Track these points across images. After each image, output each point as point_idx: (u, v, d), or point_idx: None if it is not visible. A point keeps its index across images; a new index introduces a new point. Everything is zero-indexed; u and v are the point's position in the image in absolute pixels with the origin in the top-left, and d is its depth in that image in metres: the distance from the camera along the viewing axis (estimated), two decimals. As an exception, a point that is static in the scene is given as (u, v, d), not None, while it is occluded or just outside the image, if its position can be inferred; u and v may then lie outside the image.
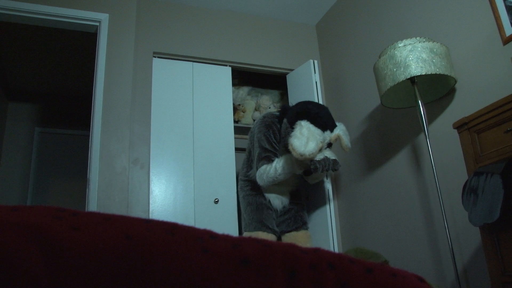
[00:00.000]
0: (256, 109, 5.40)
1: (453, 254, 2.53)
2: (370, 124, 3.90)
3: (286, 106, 3.60)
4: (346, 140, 3.41)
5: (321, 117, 3.30)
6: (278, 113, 3.65)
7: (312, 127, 3.21)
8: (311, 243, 3.72)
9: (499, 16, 2.62)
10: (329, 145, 3.45)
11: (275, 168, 3.41)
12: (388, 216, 3.58)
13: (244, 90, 5.44)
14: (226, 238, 0.73)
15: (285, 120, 3.45)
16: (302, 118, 3.27)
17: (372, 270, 0.74)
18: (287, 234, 3.68)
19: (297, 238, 3.65)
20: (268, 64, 4.63)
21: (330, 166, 3.32)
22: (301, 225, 3.71)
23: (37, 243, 0.57)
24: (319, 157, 3.29)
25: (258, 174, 3.50)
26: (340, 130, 3.40)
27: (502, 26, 2.60)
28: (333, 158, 3.40)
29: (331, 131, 3.37)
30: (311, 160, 3.23)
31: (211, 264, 0.63)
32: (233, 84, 5.19)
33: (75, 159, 6.34)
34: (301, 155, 3.06)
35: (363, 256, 1.85)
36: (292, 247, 0.74)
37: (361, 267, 0.74)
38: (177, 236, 0.68)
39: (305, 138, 3.10)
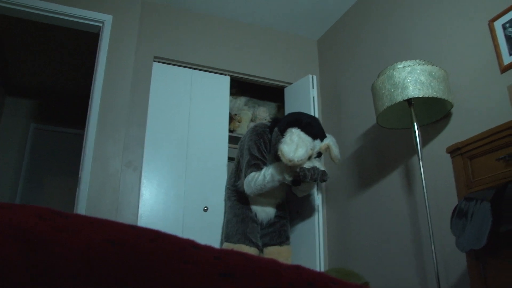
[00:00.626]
0: (252, 120, 5.40)
1: (438, 277, 2.52)
2: (364, 142, 3.91)
3: (277, 118, 3.64)
4: (335, 151, 3.43)
5: (312, 126, 3.34)
6: (269, 124, 3.67)
7: (302, 134, 3.23)
8: (291, 258, 3.74)
9: (498, 45, 2.65)
10: (319, 154, 3.47)
11: (263, 175, 3.41)
12: (376, 235, 3.58)
13: (241, 100, 5.45)
14: (208, 249, 0.73)
15: (276, 129, 3.47)
16: (293, 126, 3.29)
17: None
18: (270, 248, 3.68)
19: (280, 253, 3.65)
20: (267, 76, 4.65)
21: (318, 175, 3.32)
22: (285, 240, 3.73)
23: (19, 243, 0.57)
24: (308, 165, 3.30)
25: (246, 181, 3.49)
26: (330, 140, 3.42)
27: (501, 54, 2.62)
28: (322, 169, 3.41)
29: (321, 140, 3.39)
30: (300, 167, 3.24)
31: (192, 274, 0.63)
32: (231, 94, 5.19)
33: (68, 157, 6.31)
34: (290, 161, 3.08)
35: (344, 276, 1.85)
36: (274, 263, 0.74)
37: None
38: (160, 245, 0.68)
39: (295, 145, 3.13)
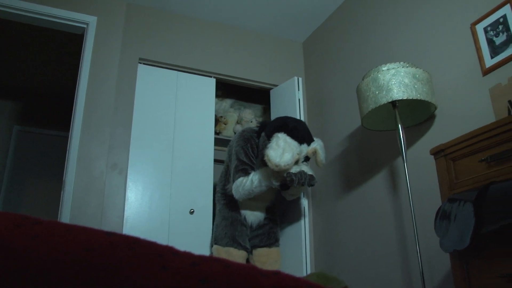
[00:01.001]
0: (238, 122, 5.41)
1: (423, 278, 2.55)
2: (350, 144, 3.93)
3: (265, 122, 3.65)
4: (321, 155, 3.45)
5: (298, 130, 3.35)
6: (257, 128, 3.68)
7: (288, 139, 3.25)
8: (280, 260, 3.77)
9: (480, 48, 2.69)
10: (307, 159, 3.48)
11: (251, 180, 3.43)
12: (362, 236, 3.60)
13: (227, 102, 5.45)
14: (187, 255, 0.72)
15: (263, 134, 3.48)
16: (279, 131, 3.30)
17: None
18: (259, 250, 3.70)
19: (269, 255, 3.68)
20: (252, 78, 4.66)
21: (306, 180, 3.33)
22: (274, 242, 3.76)
23: None
24: (295, 170, 3.31)
25: (234, 186, 3.51)
26: (317, 144, 3.44)
27: (483, 57, 2.67)
28: (310, 173, 3.42)
29: (308, 144, 3.40)
30: (287, 172, 3.25)
31: (170, 281, 0.63)
32: (217, 96, 5.19)
33: (53, 160, 6.24)
34: (276, 166, 3.09)
35: (324, 281, 1.86)
36: (252, 269, 0.73)
37: None
38: (137, 251, 0.67)
39: (281, 149, 3.15)
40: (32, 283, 0.54)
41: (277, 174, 3.31)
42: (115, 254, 0.64)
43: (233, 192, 3.52)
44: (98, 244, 0.65)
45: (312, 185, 3.42)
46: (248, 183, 3.44)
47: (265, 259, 3.65)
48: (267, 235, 3.74)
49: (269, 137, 3.35)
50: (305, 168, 3.43)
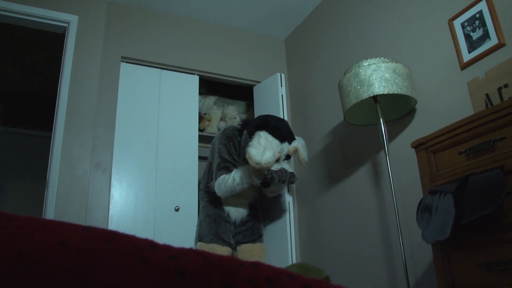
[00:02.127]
0: (221, 119, 5.42)
1: (406, 269, 2.60)
2: (332, 139, 3.98)
3: (247, 120, 3.69)
4: (303, 154, 3.49)
5: (279, 129, 3.39)
6: (239, 126, 3.71)
7: (270, 137, 3.29)
8: (265, 255, 3.82)
9: (458, 43, 2.74)
10: (288, 157, 3.52)
11: (233, 177, 3.47)
12: (346, 230, 3.65)
13: (210, 100, 5.46)
14: (165, 248, 0.72)
15: (245, 132, 3.51)
16: (261, 129, 3.34)
17: (310, 286, 0.75)
18: (243, 246, 3.75)
19: (252, 250, 3.73)
20: (235, 75, 4.67)
21: (287, 177, 3.38)
22: (257, 237, 3.81)
23: None
24: (276, 167, 3.35)
25: (216, 183, 3.55)
26: (299, 143, 3.48)
27: (460, 52, 2.72)
28: (291, 171, 3.47)
29: (290, 143, 3.44)
30: (268, 170, 3.29)
31: (147, 274, 0.62)
32: (200, 93, 5.19)
33: (35, 160, 6.18)
34: (257, 164, 3.13)
35: (305, 271, 1.88)
36: (231, 260, 0.73)
37: (299, 283, 0.74)
38: (114, 245, 0.66)
39: (262, 147, 3.20)
40: (5, 278, 0.53)
41: (258, 172, 3.35)
42: (91, 247, 0.63)
43: (216, 189, 3.56)
44: (73, 239, 0.64)
45: (292, 183, 3.49)
46: (230, 180, 3.48)
47: (249, 255, 3.70)
48: (251, 231, 3.79)
49: (250, 135, 3.39)
50: (286, 165, 3.48)
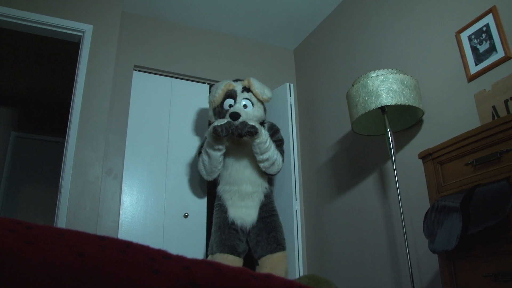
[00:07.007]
0: (230, 127, 5.46)
1: (412, 279, 2.62)
2: (340, 148, 4.01)
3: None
4: (256, 85, 3.72)
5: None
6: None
7: (218, 84, 3.85)
8: (286, 264, 3.54)
9: (465, 55, 2.78)
10: (248, 96, 3.76)
11: (202, 154, 3.67)
12: (352, 239, 3.67)
13: (220, 108, 5.51)
14: (179, 259, 0.73)
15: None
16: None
17: None
18: (263, 258, 3.48)
19: (273, 261, 3.46)
20: (245, 84, 4.72)
21: (234, 129, 3.44)
22: (276, 246, 3.51)
23: None
24: (221, 122, 3.45)
25: (198, 168, 3.74)
26: (253, 79, 3.77)
27: (467, 64, 2.76)
28: (252, 123, 3.43)
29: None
30: (213, 126, 3.43)
31: (161, 285, 0.63)
32: (210, 101, 5.25)
33: (49, 165, 6.25)
34: (211, 101, 3.75)
35: (315, 283, 1.91)
36: (243, 272, 0.73)
37: None
38: (129, 255, 0.68)
39: (214, 89, 3.76)
40: (25, 287, 0.54)
41: (212, 135, 3.47)
42: (106, 258, 0.64)
43: (201, 174, 3.72)
44: (90, 249, 0.65)
45: (250, 133, 3.40)
46: (203, 157, 3.65)
47: (270, 268, 3.42)
48: (266, 241, 3.52)
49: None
50: (246, 117, 3.62)
